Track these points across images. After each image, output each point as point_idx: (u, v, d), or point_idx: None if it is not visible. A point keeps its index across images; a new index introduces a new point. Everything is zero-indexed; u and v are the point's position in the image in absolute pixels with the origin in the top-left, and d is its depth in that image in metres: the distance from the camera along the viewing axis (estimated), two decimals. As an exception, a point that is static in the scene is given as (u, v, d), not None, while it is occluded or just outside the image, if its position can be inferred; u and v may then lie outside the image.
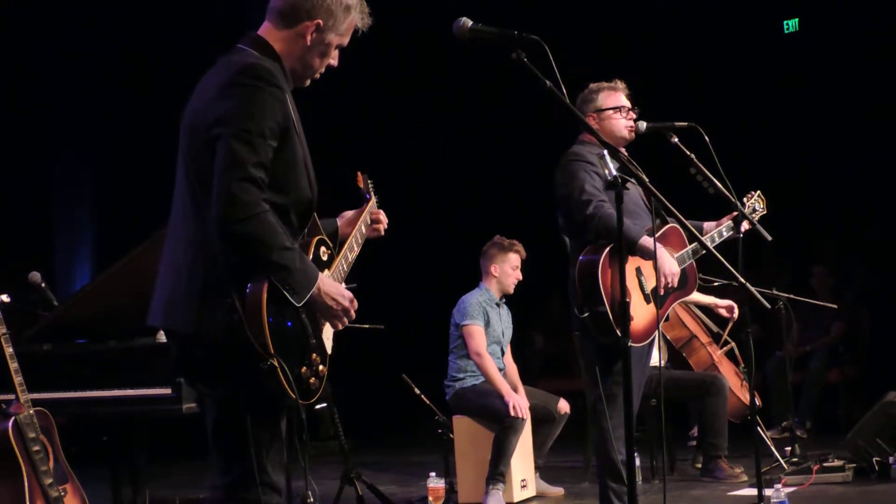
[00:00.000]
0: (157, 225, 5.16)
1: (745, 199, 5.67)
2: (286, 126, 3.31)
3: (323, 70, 3.55)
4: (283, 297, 3.22)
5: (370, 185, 4.11)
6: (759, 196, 5.85)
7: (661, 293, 5.22)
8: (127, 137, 10.64)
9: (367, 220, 3.97)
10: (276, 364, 3.20)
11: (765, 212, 5.80)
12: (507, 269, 7.13)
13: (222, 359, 3.28)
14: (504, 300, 7.23)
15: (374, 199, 4.05)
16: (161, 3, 10.39)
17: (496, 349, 7.11)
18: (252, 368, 3.21)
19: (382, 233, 4.02)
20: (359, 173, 4.12)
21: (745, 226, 5.51)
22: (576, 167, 5.19)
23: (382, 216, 4.02)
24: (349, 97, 10.60)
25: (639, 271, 5.17)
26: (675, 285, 5.20)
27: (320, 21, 3.44)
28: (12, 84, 10.11)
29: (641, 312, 5.11)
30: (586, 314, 4.99)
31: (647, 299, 5.14)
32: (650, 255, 5.09)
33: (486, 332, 7.03)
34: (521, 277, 7.19)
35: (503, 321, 7.21)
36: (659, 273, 5.12)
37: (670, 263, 5.16)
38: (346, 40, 3.53)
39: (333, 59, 3.54)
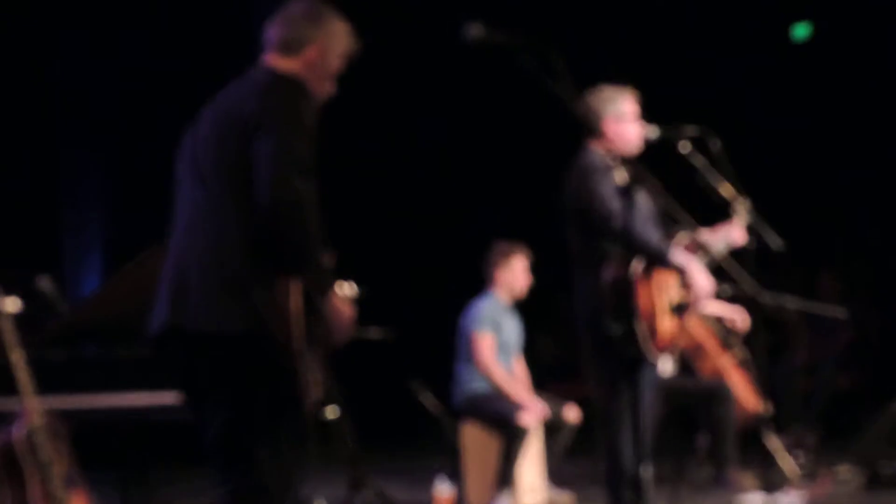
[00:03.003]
0: (166, 229, 5.17)
1: (734, 212, 5.64)
2: (312, 133, 3.36)
3: (324, 94, 3.63)
4: (307, 299, 3.25)
5: None
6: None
7: (695, 308, 5.25)
8: (136, 142, 10.64)
9: None
10: (298, 366, 3.20)
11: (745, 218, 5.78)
12: (515, 273, 7.11)
13: (238, 358, 3.28)
14: (514, 306, 7.22)
15: None
16: (169, 7, 10.36)
17: (506, 356, 7.11)
18: (270, 369, 3.22)
19: None
20: None
21: (740, 236, 5.51)
22: (596, 177, 5.16)
23: None
24: (358, 103, 10.60)
25: (662, 284, 5.17)
26: (709, 300, 5.23)
27: (322, 48, 3.57)
28: (21, 88, 10.09)
29: (667, 326, 5.11)
30: (616, 329, 4.97)
31: (669, 312, 5.14)
32: (681, 270, 5.12)
33: (495, 340, 7.03)
34: (530, 280, 7.18)
35: (513, 328, 7.20)
36: (694, 290, 5.15)
37: (705, 280, 5.17)
38: (342, 64, 3.64)
39: (332, 86, 3.65)
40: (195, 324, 3.31)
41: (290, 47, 3.57)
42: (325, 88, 3.63)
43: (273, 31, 3.62)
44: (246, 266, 3.25)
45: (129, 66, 10.59)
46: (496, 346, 7.08)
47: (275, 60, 3.58)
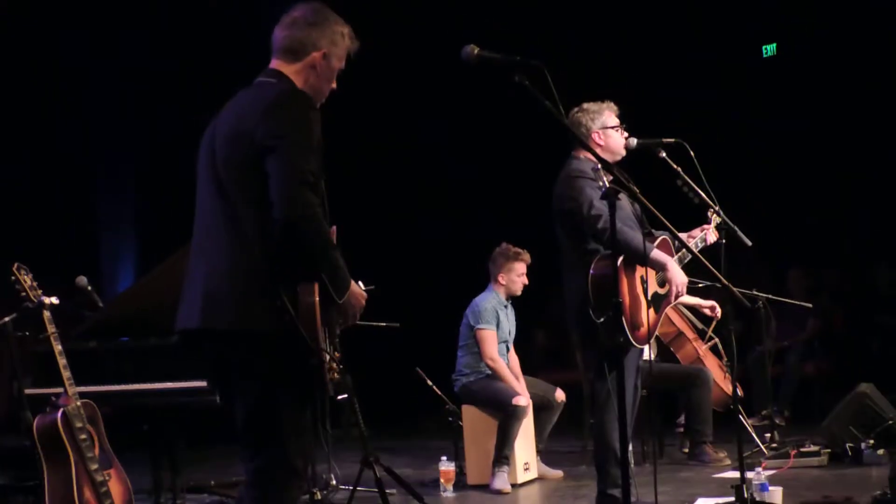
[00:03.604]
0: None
1: (709, 215, 5.65)
2: (319, 143, 3.35)
3: (328, 93, 3.59)
4: (326, 297, 3.27)
5: None
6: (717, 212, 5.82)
7: (672, 301, 5.28)
8: (169, 147, 10.52)
9: None
10: (324, 359, 3.23)
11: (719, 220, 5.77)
12: (513, 276, 7.12)
13: (263, 353, 3.30)
14: (510, 301, 7.23)
15: None
16: (200, 13, 10.25)
17: (502, 347, 7.12)
18: (291, 363, 3.24)
19: None
20: None
21: (714, 236, 5.53)
22: (582, 183, 5.18)
23: None
24: (364, 101, 10.53)
25: (642, 279, 5.18)
26: (684, 294, 5.25)
27: (325, 50, 3.51)
28: (57, 90, 9.98)
29: (647, 316, 5.12)
30: (602, 319, 4.98)
31: (648, 304, 5.15)
32: (659, 267, 5.15)
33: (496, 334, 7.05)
34: (527, 282, 7.18)
35: (510, 321, 7.22)
36: (671, 284, 5.18)
37: (681, 276, 5.22)
38: (343, 64, 3.59)
39: (334, 83, 3.59)
40: (227, 324, 3.32)
41: (294, 52, 3.49)
42: (327, 89, 3.58)
43: (277, 36, 3.55)
44: (269, 270, 3.26)
45: (163, 75, 10.41)
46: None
47: (280, 66, 3.52)
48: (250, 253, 3.28)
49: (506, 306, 7.18)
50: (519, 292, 7.18)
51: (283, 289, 3.24)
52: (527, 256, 7.13)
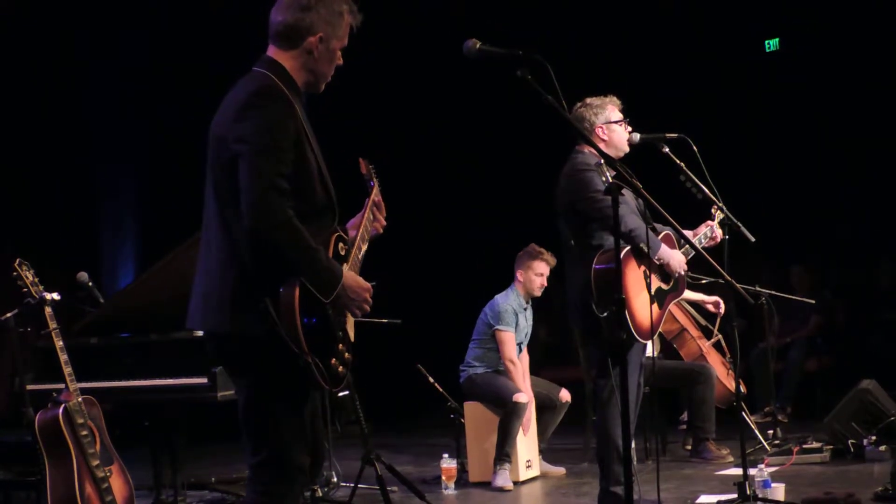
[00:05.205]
0: (196, 227, 5.16)
1: (712, 211, 5.65)
2: (298, 138, 3.30)
3: (333, 71, 3.51)
4: (311, 297, 3.23)
5: (373, 171, 3.89)
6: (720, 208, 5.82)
7: (678, 274, 5.33)
8: (168, 144, 10.53)
9: (373, 209, 3.78)
10: (310, 361, 3.22)
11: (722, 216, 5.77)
12: (532, 275, 7.07)
13: (254, 354, 3.29)
14: (530, 303, 7.19)
15: (377, 186, 3.84)
16: (200, 13, 10.21)
17: (517, 348, 7.09)
18: (283, 363, 3.23)
19: (381, 229, 3.79)
20: (361, 159, 3.90)
21: (718, 233, 5.52)
22: (589, 176, 5.16)
23: (383, 207, 3.82)
24: (371, 92, 10.51)
25: (646, 275, 5.16)
26: (685, 270, 5.27)
27: (322, 34, 3.41)
28: (58, 88, 9.94)
29: (650, 312, 5.10)
30: (605, 315, 4.96)
31: (652, 300, 5.14)
32: (664, 260, 5.16)
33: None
34: (545, 284, 7.13)
35: (528, 323, 7.19)
36: (670, 262, 5.26)
37: (679, 258, 5.27)
38: (346, 41, 3.49)
39: (339, 60, 3.50)
40: (220, 327, 3.34)
41: (289, 39, 3.39)
42: (330, 70, 3.48)
43: (272, 20, 3.42)
44: (252, 275, 3.24)
45: (164, 71, 10.37)
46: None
47: (276, 54, 3.43)
48: (239, 256, 3.26)
49: (525, 308, 7.14)
50: (537, 293, 7.11)
51: (266, 292, 3.22)
52: (548, 257, 7.04)
